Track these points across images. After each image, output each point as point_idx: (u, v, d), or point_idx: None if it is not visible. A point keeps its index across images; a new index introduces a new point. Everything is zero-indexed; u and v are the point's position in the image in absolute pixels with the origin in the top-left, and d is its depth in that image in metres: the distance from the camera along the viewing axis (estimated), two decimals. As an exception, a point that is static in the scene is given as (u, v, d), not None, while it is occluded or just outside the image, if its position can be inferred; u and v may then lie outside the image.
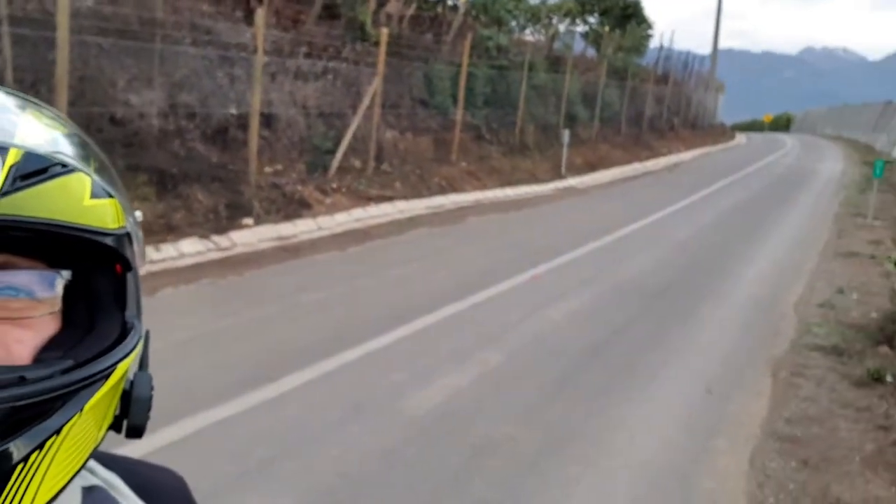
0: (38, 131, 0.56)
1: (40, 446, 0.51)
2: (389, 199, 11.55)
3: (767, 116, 53.25)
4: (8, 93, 0.60)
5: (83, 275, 0.60)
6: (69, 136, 0.59)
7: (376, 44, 12.69)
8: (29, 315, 0.56)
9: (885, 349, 5.86)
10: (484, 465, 3.92)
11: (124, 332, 0.60)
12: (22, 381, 0.51)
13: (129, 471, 0.73)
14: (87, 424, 0.56)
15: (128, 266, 0.61)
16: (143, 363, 0.64)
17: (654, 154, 23.24)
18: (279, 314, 5.96)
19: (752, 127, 50.63)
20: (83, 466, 0.57)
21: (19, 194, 0.51)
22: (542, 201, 13.57)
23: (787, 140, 36.70)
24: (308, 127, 11.84)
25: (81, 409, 0.54)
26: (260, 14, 10.08)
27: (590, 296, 7.28)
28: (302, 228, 9.20)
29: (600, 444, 4.26)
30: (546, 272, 8.01)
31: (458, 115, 14.54)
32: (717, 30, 42.73)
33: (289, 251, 8.28)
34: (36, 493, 0.52)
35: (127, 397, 0.61)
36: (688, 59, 33.90)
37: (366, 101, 12.18)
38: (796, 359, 5.89)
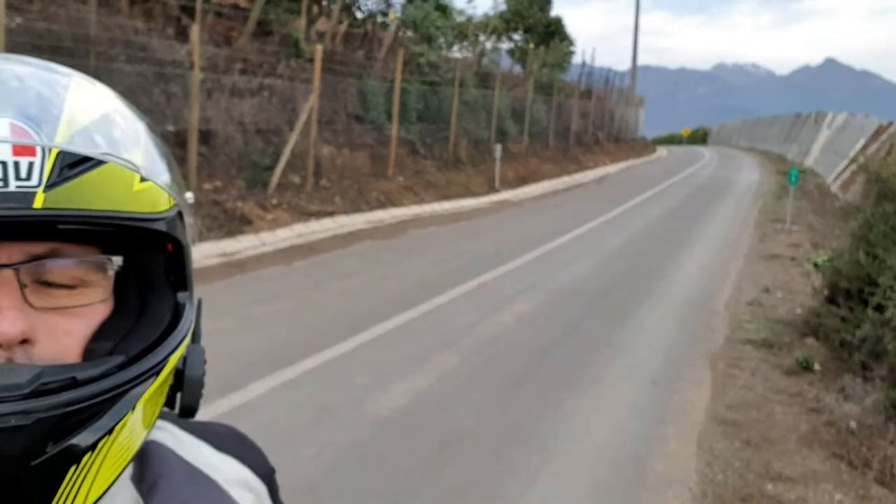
0: (87, 112, 0.54)
1: (93, 447, 0.50)
2: (330, 214, 11.65)
3: (685, 130, 55.16)
4: (50, 68, 0.58)
5: (134, 258, 0.59)
6: (117, 112, 0.57)
7: (310, 60, 12.80)
8: (78, 304, 0.55)
9: (811, 340, 6.29)
10: (451, 456, 4.10)
11: (177, 313, 0.59)
12: (74, 382, 0.50)
13: (182, 420, 0.72)
14: (140, 416, 0.54)
15: (179, 245, 0.59)
16: (195, 336, 0.63)
17: (582, 167, 23.93)
18: (236, 326, 6.01)
19: (672, 140, 52.36)
20: (136, 452, 0.56)
21: (67, 185, 0.50)
22: (479, 214, 13.86)
23: (706, 152, 38.18)
24: (246, 143, 11.86)
25: (133, 408, 0.53)
26: (195, 30, 10.10)
27: (536, 300, 7.56)
28: (245, 244, 9.22)
29: (559, 434, 4.50)
30: (492, 279, 8.27)
31: (394, 130, 14.75)
32: (636, 47, 44.28)
33: (234, 266, 8.30)
34: (88, 492, 0.52)
35: (180, 374, 0.59)
36: (608, 76, 35.02)
37: (302, 118, 12.26)
38: (731, 352, 6.27)
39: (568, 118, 26.44)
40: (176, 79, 10.63)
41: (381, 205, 13.03)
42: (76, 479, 0.50)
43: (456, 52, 21.16)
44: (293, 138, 11.92)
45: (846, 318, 5.63)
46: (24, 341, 0.51)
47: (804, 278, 9.02)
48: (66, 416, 0.48)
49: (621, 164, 27.70)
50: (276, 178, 11.51)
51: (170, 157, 0.61)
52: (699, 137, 55.13)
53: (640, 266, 9.72)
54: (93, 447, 0.50)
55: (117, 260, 0.57)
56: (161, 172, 0.58)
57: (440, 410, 4.70)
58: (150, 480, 0.63)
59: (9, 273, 0.51)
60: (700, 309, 7.74)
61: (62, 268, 0.54)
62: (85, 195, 0.50)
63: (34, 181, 0.48)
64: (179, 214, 0.59)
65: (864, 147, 16.67)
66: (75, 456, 0.49)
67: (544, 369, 5.57)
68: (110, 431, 0.51)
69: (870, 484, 4.00)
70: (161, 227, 0.56)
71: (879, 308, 4.89)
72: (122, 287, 0.59)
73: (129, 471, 0.62)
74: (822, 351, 5.98)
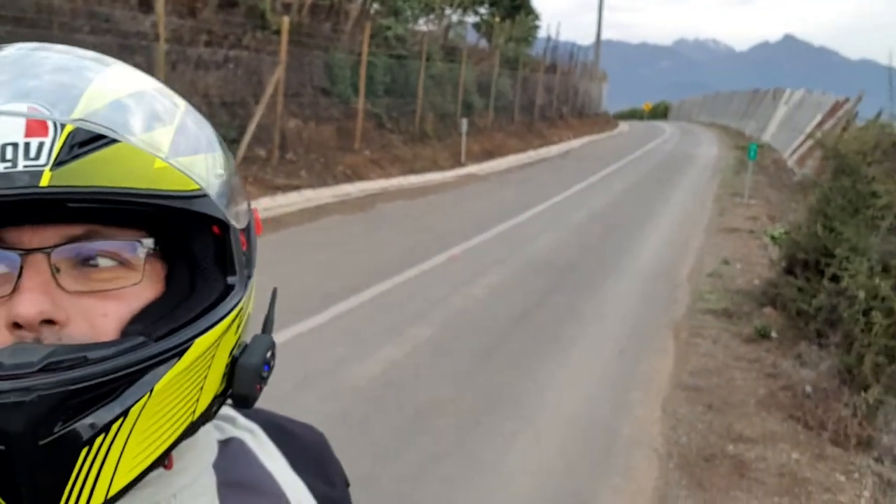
0: (108, 93, 0.54)
1: (105, 429, 0.49)
2: (296, 187, 11.64)
3: (647, 105, 55.62)
4: (78, 54, 0.58)
5: (179, 241, 0.58)
6: (144, 93, 0.57)
7: (277, 32, 12.69)
8: (113, 287, 0.54)
9: (768, 310, 6.54)
10: (428, 424, 4.24)
11: (225, 297, 0.58)
12: (84, 361, 0.49)
13: (269, 423, 0.74)
14: (168, 402, 0.53)
15: (224, 226, 0.58)
16: (266, 326, 0.62)
17: (547, 142, 24.11)
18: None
19: (634, 115, 52.81)
20: (176, 444, 0.55)
21: (76, 163, 0.50)
22: (446, 188, 13.96)
23: (667, 127, 38.64)
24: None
25: (151, 390, 0.51)
26: (160, 1, 9.96)
27: (505, 273, 7.71)
28: (214, 218, 9.19)
29: (531, 402, 4.66)
30: (462, 253, 8.40)
31: (360, 103, 14.71)
32: (600, 22, 44.45)
33: (204, 240, 8.29)
34: (113, 477, 0.51)
35: (235, 363, 0.59)
36: (573, 50, 35.15)
37: (269, 90, 12.18)
38: (693, 321, 6.50)
39: (533, 93, 26.55)
40: (140, 50, 10.47)
41: (348, 178, 13.05)
42: (92, 462, 0.49)
43: (422, 26, 21.08)
44: (259, 111, 11.85)
45: (803, 289, 5.87)
46: (50, 322, 0.51)
47: (762, 250, 9.30)
48: (72, 395, 0.48)
49: (585, 139, 27.94)
50: (241, 151, 11.45)
51: (215, 138, 0.61)
52: (660, 112, 55.63)
53: (605, 239, 9.93)
54: (105, 429, 0.49)
55: (148, 242, 0.56)
56: (195, 152, 0.57)
57: (415, 380, 4.83)
58: (229, 475, 0.65)
59: (39, 256, 0.52)
60: (663, 281, 7.96)
61: (90, 250, 0.54)
62: (96, 172, 0.50)
63: (42, 160, 0.49)
64: (224, 196, 0.58)
65: (821, 123, 17.07)
66: (85, 438, 0.49)
67: (515, 340, 5.73)
68: (125, 414, 0.50)
69: (825, 444, 4.24)
70: (192, 206, 0.55)
71: (835, 278, 5.12)
72: (173, 272, 0.59)
73: (213, 456, 0.65)
74: (779, 320, 6.23)
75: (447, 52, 20.36)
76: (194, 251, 0.59)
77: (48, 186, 0.49)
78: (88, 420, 0.49)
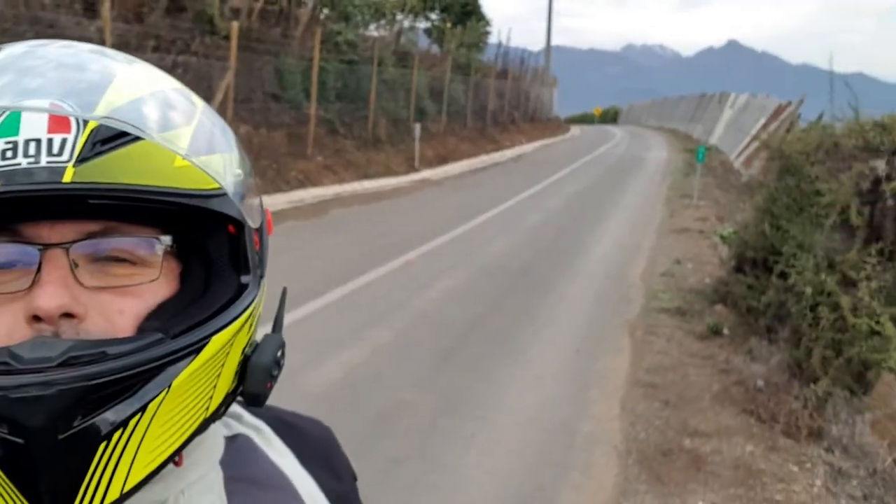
0: (129, 91, 0.55)
1: (123, 425, 0.50)
2: (250, 194, 11.51)
3: (597, 110, 56.45)
4: (99, 52, 0.59)
5: (194, 239, 0.59)
6: (164, 92, 0.58)
7: (226, 37, 12.55)
8: (130, 283, 0.55)
9: (720, 307, 6.69)
10: (389, 428, 4.23)
11: (239, 296, 0.58)
12: (103, 356, 0.49)
13: (276, 419, 0.74)
14: (183, 398, 0.53)
15: (240, 226, 0.58)
16: (276, 325, 0.63)
17: (500, 146, 24.26)
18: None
19: (584, 120, 53.51)
20: (190, 440, 0.55)
21: (99, 160, 0.50)
22: (401, 193, 13.95)
23: (617, 132, 39.23)
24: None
25: (169, 386, 0.52)
26: (105, 6, 9.78)
27: (461, 276, 7.74)
28: (166, 225, 9.05)
29: (491, 402, 4.69)
30: (418, 257, 8.40)
31: (312, 109, 14.62)
32: (550, 27, 44.99)
33: (156, 248, 8.15)
34: (129, 471, 0.51)
35: (247, 361, 0.59)
36: (523, 56, 35.48)
37: (218, 96, 12.04)
38: (647, 320, 6.61)
39: (485, 98, 26.71)
40: (85, 56, 10.26)
41: (301, 184, 12.96)
42: (109, 457, 0.50)
43: (373, 31, 21.05)
44: (210, 118, 11.68)
45: (752, 286, 6.01)
46: (69, 316, 0.52)
47: (712, 250, 9.50)
48: (91, 390, 0.48)
49: (537, 143, 28.19)
50: (193, 158, 11.28)
51: (232, 137, 0.62)
52: (610, 117, 56.47)
53: (559, 242, 10.03)
54: (123, 424, 0.50)
55: (166, 239, 0.57)
56: (213, 151, 0.57)
57: (375, 384, 4.82)
58: (236, 471, 0.65)
59: (58, 251, 0.52)
60: (617, 281, 8.08)
61: (109, 246, 0.54)
62: (117, 169, 0.50)
63: (65, 157, 0.49)
64: (240, 196, 0.58)
65: (765, 125, 17.52)
66: (103, 432, 0.49)
67: (473, 342, 5.76)
68: (143, 409, 0.50)
69: (777, 436, 4.35)
70: (209, 204, 0.55)
71: (783, 275, 5.25)
72: (188, 269, 0.59)
73: (220, 453, 0.64)
74: (730, 317, 6.37)
75: (399, 57, 20.37)
76: (209, 250, 0.59)
77: (70, 183, 0.49)
78: (108, 415, 0.49)
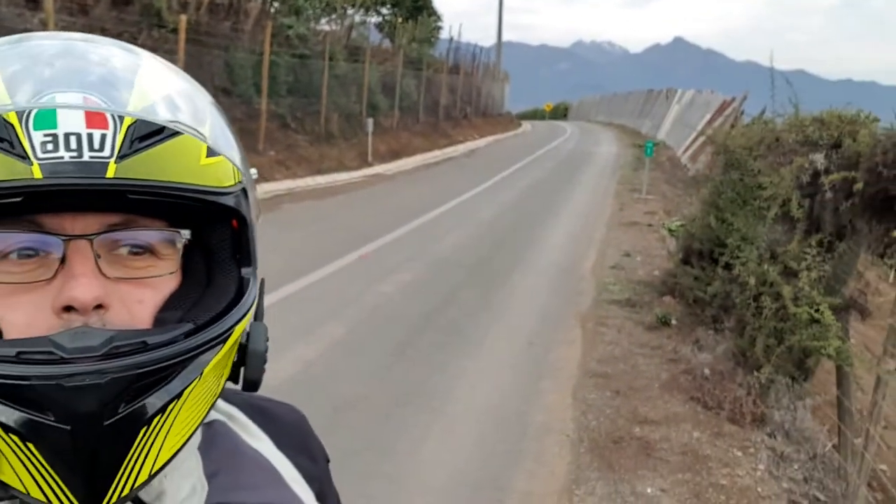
0: (157, 88, 0.56)
1: (162, 410, 0.52)
2: (200, 189, 11.36)
3: (548, 105, 56.90)
4: (123, 47, 0.61)
5: (200, 232, 0.61)
6: (186, 90, 0.59)
7: (174, 31, 12.35)
8: (150, 275, 0.57)
9: (668, 299, 6.85)
10: (345, 421, 4.25)
11: (241, 288, 0.61)
12: (144, 346, 0.52)
13: (248, 404, 0.75)
14: (207, 385, 0.56)
15: (244, 221, 0.60)
16: (258, 314, 0.64)
17: (452, 141, 24.33)
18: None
19: (535, 115, 53.89)
20: (203, 421, 0.58)
21: (137, 156, 0.51)
22: (354, 188, 13.91)
23: (567, 127, 39.63)
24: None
25: (201, 373, 0.54)
26: (49, -2, 9.54)
27: (415, 271, 7.77)
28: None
29: (445, 394, 4.74)
30: (372, 252, 8.41)
31: (263, 104, 14.47)
32: (501, 23, 45.17)
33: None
34: (158, 454, 0.53)
35: (243, 349, 0.61)
36: (475, 51, 35.60)
37: (168, 91, 11.83)
38: (598, 312, 6.74)
39: (437, 93, 26.75)
40: (27, 48, 9.99)
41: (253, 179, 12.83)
42: (146, 441, 0.52)
43: (324, 25, 20.90)
44: (158, 112, 11.49)
45: (699, 277, 6.17)
46: (99, 307, 0.53)
47: (660, 243, 9.71)
48: (137, 378, 0.50)
49: (489, 138, 28.34)
50: (141, 153, 11.08)
51: (235, 135, 0.64)
52: (560, 112, 56.97)
53: (512, 235, 10.13)
54: (162, 410, 0.52)
55: (186, 233, 0.59)
56: (228, 148, 0.59)
57: (330, 378, 4.83)
58: (215, 456, 0.66)
59: (83, 242, 0.53)
60: (568, 274, 8.21)
61: (134, 239, 0.56)
62: (154, 166, 0.52)
63: (107, 152, 0.50)
64: (244, 191, 0.60)
65: (710, 121, 17.90)
66: (146, 417, 0.51)
67: (428, 335, 5.80)
68: (179, 395, 0.53)
69: (723, 422, 4.49)
70: (228, 201, 0.57)
71: (728, 266, 5.41)
72: (189, 261, 0.61)
73: (197, 440, 0.65)
74: (678, 307, 6.53)
75: (351, 51, 20.27)
76: (212, 243, 0.61)
77: (114, 178, 0.50)
78: (151, 401, 0.51)
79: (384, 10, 28.27)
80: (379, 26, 27.36)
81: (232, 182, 0.58)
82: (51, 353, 0.49)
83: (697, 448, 4.18)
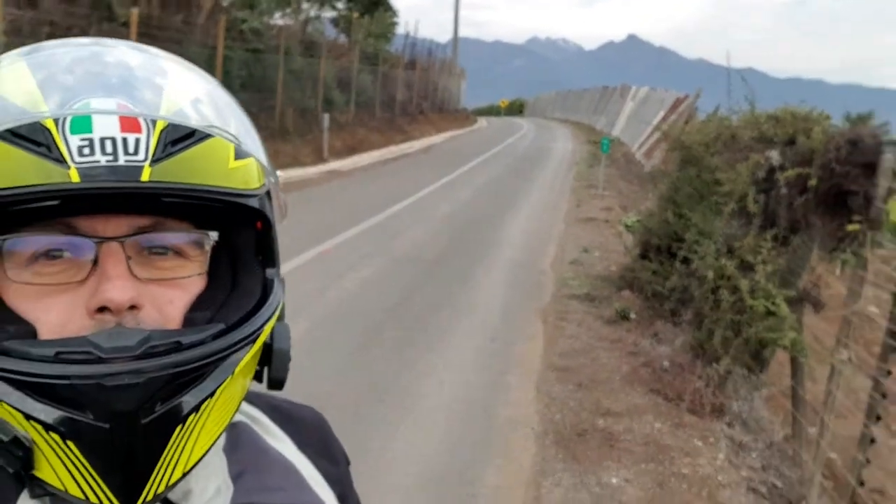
0: (184, 91, 0.57)
1: (196, 408, 0.53)
2: (154, 186, 11.16)
3: (503, 102, 57.10)
4: (145, 51, 0.61)
5: (226, 233, 0.62)
6: (212, 93, 0.60)
7: (125, 24, 12.11)
8: (179, 276, 0.58)
9: (627, 293, 6.96)
10: (311, 419, 4.23)
11: (265, 288, 0.62)
12: (179, 346, 0.53)
13: (271, 406, 0.77)
14: (238, 384, 0.57)
15: (268, 223, 0.62)
16: (281, 314, 0.64)
17: (409, 137, 24.29)
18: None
19: (491, 111, 54.05)
20: (231, 420, 0.59)
21: (171, 160, 0.52)
22: (310, 184, 13.80)
23: (523, 123, 39.86)
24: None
25: (233, 373, 0.55)
26: (-5, -11, 9.28)
27: (376, 267, 7.75)
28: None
29: (412, 391, 4.75)
30: (333, 248, 8.37)
31: (218, 99, 14.25)
32: (457, 19, 45.24)
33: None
34: (192, 452, 0.55)
35: (268, 349, 0.62)
36: (431, 47, 35.59)
37: (120, 85, 11.59)
38: (559, 307, 6.81)
39: (393, 89, 26.67)
40: (-27, 41, 9.70)
41: (209, 176, 12.65)
42: (181, 439, 0.53)
43: (279, 20, 20.68)
44: (110, 107, 11.25)
45: (657, 272, 6.28)
46: (132, 308, 0.54)
47: (617, 238, 9.83)
48: (173, 378, 0.51)
49: (446, 134, 28.36)
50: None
51: (259, 139, 0.64)
52: (516, 109, 57.25)
53: (471, 232, 10.17)
54: (197, 408, 0.53)
55: (213, 235, 0.60)
56: (255, 149, 0.61)
57: (295, 375, 4.75)
58: (240, 457, 0.67)
59: (115, 245, 0.54)
60: (528, 269, 8.28)
61: (164, 241, 0.57)
62: (187, 170, 0.53)
63: (141, 156, 0.51)
64: (268, 194, 0.62)
65: (665, 118, 18.20)
66: (182, 416, 0.52)
67: (392, 331, 5.80)
68: (212, 394, 0.54)
69: (683, 413, 4.58)
70: (254, 203, 0.58)
71: (685, 261, 5.52)
72: (215, 262, 0.62)
73: (223, 441, 0.66)
74: (637, 301, 6.64)
75: (306, 46, 20.09)
76: (238, 244, 0.63)
77: (149, 181, 0.51)
78: (186, 399, 0.53)
79: (339, 5, 28.06)
80: (335, 21, 27.16)
81: (258, 185, 0.59)
82: (89, 352, 0.50)
83: (659, 438, 4.26)
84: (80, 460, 0.51)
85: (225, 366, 0.55)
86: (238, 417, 0.70)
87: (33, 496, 0.55)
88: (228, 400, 0.57)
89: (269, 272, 0.63)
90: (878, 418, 3.80)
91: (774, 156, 4.48)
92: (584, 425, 4.37)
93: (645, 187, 12.94)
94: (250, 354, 0.57)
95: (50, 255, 0.54)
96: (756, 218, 4.72)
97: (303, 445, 0.75)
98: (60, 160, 0.50)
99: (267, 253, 0.63)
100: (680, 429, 4.41)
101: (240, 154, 0.57)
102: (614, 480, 3.80)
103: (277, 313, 0.62)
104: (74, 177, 0.50)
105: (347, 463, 0.82)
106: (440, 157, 20.42)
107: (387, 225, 10.20)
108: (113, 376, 0.49)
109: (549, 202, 13.57)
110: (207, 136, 0.54)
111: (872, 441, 3.81)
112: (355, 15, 25.89)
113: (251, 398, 0.74)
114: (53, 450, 0.51)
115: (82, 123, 0.51)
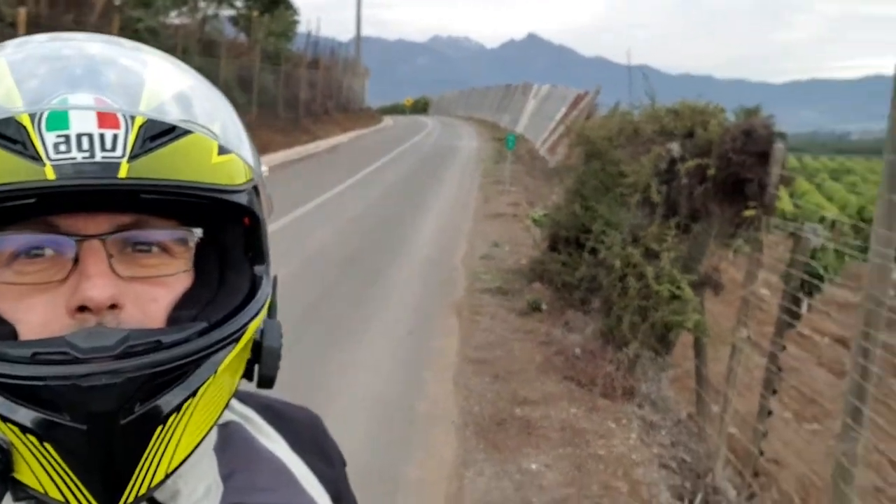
0: (166, 86, 0.56)
1: (178, 408, 0.52)
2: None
3: (408, 100, 57.19)
4: (127, 45, 0.60)
5: (213, 230, 0.60)
6: (195, 87, 0.59)
7: (12, 25, 11.54)
8: (163, 273, 0.56)
9: (538, 285, 7.12)
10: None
11: (254, 285, 0.61)
12: (159, 345, 0.52)
13: (264, 406, 0.75)
14: (221, 383, 0.56)
15: (256, 219, 0.61)
16: (271, 311, 0.64)
17: (314, 137, 24.01)
18: None
19: (396, 110, 54.04)
20: (218, 420, 0.58)
21: (149, 156, 0.51)
22: (215, 186, 13.48)
23: (429, 122, 40.03)
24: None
25: (216, 372, 0.54)
26: None
27: (288, 267, 7.64)
28: None
29: (330, 389, 4.72)
30: (241, 250, 8.21)
31: (114, 100, 13.74)
32: (360, 16, 45.00)
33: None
34: (174, 453, 0.54)
35: (258, 346, 0.61)
36: (333, 46, 35.29)
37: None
38: (472, 301, 6.91)
39: (297, 88, 26.29)
40: None
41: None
42: (162, 439, 0.52)
43: (176, 19, 20.08)
44: None
45: (566, 263, 6.46)
46: (113, 307, 0.53)
47: (526, 232, 10.04)
48: (152, 377, 0.50)
49: (351, 134, 28.19)
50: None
51: (246, 133, 0.63)
52: (421, 107, 57.38)
53: (382, 230, 10.17)
54: (178, 408, 0.52)
55: (198, 232, 0.59)
56: (240, 146, 0.59)
57: (209, 380, 4.70)
58: (230, 457, 0.65)
59: (96, 243, 0.53)
60: (440, 265, 8.36)
61: (147, 238, 0.55)
62: (167, 165, 0.52)
63: (118, 152, 0.50)
64: (256, 189, 0.60)
65: (566, 114, 18.67)
66: (162, 416, 0.51)
67: (308, 331, 5.75)
68: (194, 394, 0.53)
69: (596, 398, 4.74)
70: (240, 199, 0.57)
71: (593, 251, 5.70)
72: (202, 259, 0.60)
73: (213, 440, 0.64)
74: (547, 293, 6.81)
75: (204, 46, 19.61)
76: (225, 241, 0.62)
77: (126, 178, 0.50)
78: (165, 400, 0.52)
79: (238, 3, 27.46)
80: (234, 20, 26.57)
81: (243, 180, 0.58)
82: (66, 353, 0.50)
83: (575, 423, 4.40)
84: (58, 462, 0.50)
85: (207, 364, 0.54)
86: (230, 417, 0.69)
87: (16, 499, 0.54)
88: (212, 399, 0.55)
89: (258, 269, 0.62)
90: (775, 392, 4.04)
91: (675, 148, 4.68)
92: (503, 415, 4.46)
93: (550, 182, 13.24)
94: (234, 353, 0.56)
95: (30, 253, 0.53)
96: (659, 207, 4.92)
97: (296, 445, 0.74)
98: (36, 157, 0.49)
99: (255, 249, 0.62)
100: (594, 412, 4.56)
101: (224, 149, 0.56)
102: (534, 466, 3.90)
103: (265, 310, 0.61)
104: (50, 174, 0.49)
105: (343, 463, 0.82)
106: (347, 157, 20.29)
107: (296, 226, 10.06)
108: (89, 377, 0.49)
109: (458, 199, 13.70)
110: (188, 131, 0.53)
111: (770, 413, 4.04)
112: (255, 13, 25.40)
113: (244, 397, 0.73)
114: (31, 452, 0.50)
115: (59, 119, 0.50)
